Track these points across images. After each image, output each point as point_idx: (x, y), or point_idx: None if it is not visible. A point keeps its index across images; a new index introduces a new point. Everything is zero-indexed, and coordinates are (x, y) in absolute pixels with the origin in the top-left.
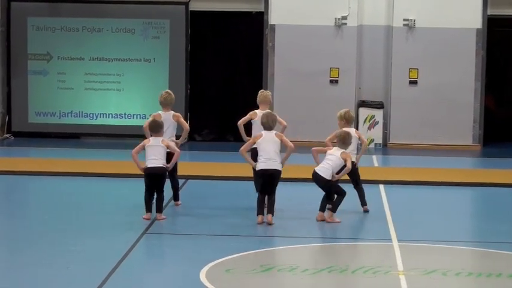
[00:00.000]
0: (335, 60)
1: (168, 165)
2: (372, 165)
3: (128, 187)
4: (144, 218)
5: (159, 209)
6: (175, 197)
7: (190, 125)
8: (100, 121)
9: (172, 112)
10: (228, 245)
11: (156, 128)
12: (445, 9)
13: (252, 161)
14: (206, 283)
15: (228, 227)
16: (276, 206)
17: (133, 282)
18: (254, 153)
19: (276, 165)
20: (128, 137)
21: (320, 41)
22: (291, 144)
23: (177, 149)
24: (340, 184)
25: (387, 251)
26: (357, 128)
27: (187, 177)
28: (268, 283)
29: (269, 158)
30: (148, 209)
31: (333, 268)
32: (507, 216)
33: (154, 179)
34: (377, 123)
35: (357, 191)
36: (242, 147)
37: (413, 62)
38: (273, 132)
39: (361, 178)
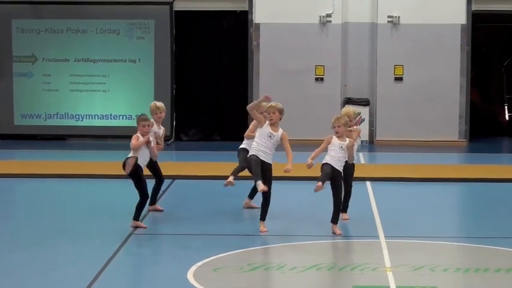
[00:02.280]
0: (320, 58)
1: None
2: (358, 162)
3: (114, 188)
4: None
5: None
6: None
7: (176, 125)
8: (86, 122)
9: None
10: (215, 244)
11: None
12: (430, 5)
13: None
14: (194, 283)
15: (215, 227)
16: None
17: (121, 283)
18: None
19: None
20: (114, 138)
21: (305, 39)
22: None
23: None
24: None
25: (374, 247)
26: None
27: (174, 177)
28: (256, 282)
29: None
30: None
31: (321, 266)
32: (494, 211)
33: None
34: (363, 121)
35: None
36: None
37: (398, 58)
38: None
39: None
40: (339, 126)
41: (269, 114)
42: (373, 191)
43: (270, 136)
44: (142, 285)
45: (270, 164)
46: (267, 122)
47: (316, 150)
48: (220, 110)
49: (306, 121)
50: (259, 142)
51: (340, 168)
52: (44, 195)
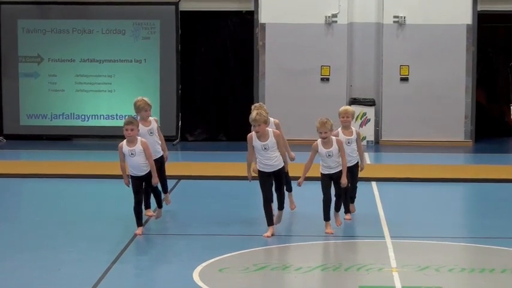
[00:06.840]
0: (326, 58)
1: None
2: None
3: (120, 188)
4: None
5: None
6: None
7: (182, 125)
8: (92, 122)
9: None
10: (220, 245)
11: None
12: (435, 5)
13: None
14: (199, 283)
15: (221, 227)
16: None
17: (126, 283)
18: None
19: None
20: (120, 138)
21: (311, 39)
22: None
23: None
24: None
25: (380, 248)
26: None
27: (180, 177)
28: (262, 282)
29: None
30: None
31: (326, 266)
32: (499, 212)
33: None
34: (369, 121)
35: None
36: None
37: (404, 58)
38: None
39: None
40: (325, 132)
41: (255, 127)
42: (379, 191)
43: (265, 148)
44: (148, 286)
45: (281, 168)
46: (254, 135)
47: (306, 164)
48: (226, 110)
49: (312, 121)
50: (259, 158)
51: (337, 169)
52: (49, 196)
